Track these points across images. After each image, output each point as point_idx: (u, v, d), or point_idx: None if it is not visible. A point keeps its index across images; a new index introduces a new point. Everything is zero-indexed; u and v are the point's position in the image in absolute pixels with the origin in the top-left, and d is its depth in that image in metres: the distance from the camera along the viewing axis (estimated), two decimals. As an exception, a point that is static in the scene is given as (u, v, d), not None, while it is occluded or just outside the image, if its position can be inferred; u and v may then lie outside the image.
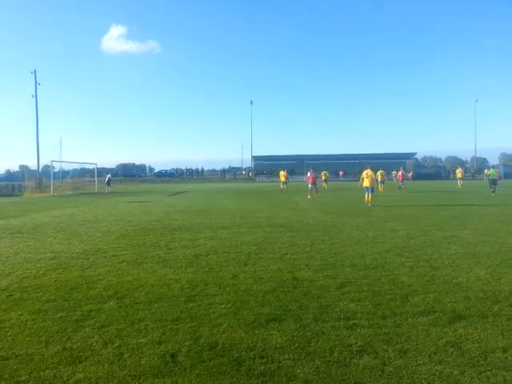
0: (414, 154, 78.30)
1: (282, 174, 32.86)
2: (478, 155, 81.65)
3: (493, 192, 24.00)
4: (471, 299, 4.71)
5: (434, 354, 3.39)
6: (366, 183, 17.82)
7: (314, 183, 24.16)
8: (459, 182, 35.46)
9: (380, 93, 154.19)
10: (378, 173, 30.63)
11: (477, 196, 23.44)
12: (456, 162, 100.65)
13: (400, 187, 29.16)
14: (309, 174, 24.79)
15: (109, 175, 38.99)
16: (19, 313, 4.51)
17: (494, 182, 25.04)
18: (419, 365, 3.21)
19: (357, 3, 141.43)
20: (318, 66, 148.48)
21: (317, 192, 24.21)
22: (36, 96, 41.48)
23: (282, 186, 32.47)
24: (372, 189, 17.83)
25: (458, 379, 3.01)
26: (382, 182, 30.20)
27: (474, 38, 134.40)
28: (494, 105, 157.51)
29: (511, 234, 9.18)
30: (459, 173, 37.08)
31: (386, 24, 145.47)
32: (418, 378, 3.03)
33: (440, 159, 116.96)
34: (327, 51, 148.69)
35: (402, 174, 29.98)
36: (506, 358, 3.31)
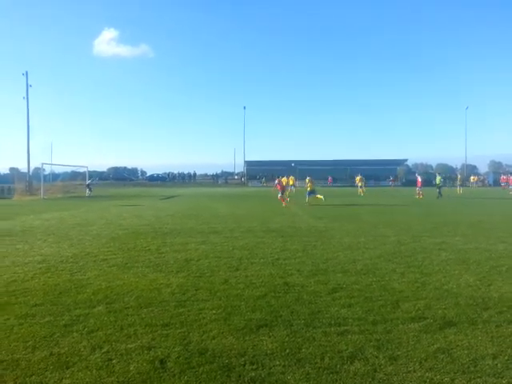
0: (405, 160, 78.92)
1: (292, 178, 35.92)
2: (468, 162, 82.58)
3: (438, 196, 28.13)
4: (461, 306, 4.74)
5: (425, 360, 3.39)
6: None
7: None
8: (459, 189, 36.41)
9: (371, 100, 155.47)
10: (358, 178, 33.13)
11: (471, 203, 23.68)
12: (446, 169, 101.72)
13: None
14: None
15: (90, 180, 37.93)
16: (6, 317, 4.43)
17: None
18: (410, 371, 3.21)
19: (348, 8, 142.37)
20: (310, 72, 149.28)
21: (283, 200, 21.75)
22: (27, 98, 41.13)
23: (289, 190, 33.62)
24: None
25: (448, 386, 3.01)
26: (361, 186, 32.60)
27: (465, 48, 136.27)
28: (485, 113, 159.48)
29: (500, 241, 9.27)
30: (460, 180, 38.73)
31: (377, 31, 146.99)
32: (409, 384, 3.03)
33: (431, 166, 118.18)
34: (319, 57, 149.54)
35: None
36: (496, 364, 3.32)
